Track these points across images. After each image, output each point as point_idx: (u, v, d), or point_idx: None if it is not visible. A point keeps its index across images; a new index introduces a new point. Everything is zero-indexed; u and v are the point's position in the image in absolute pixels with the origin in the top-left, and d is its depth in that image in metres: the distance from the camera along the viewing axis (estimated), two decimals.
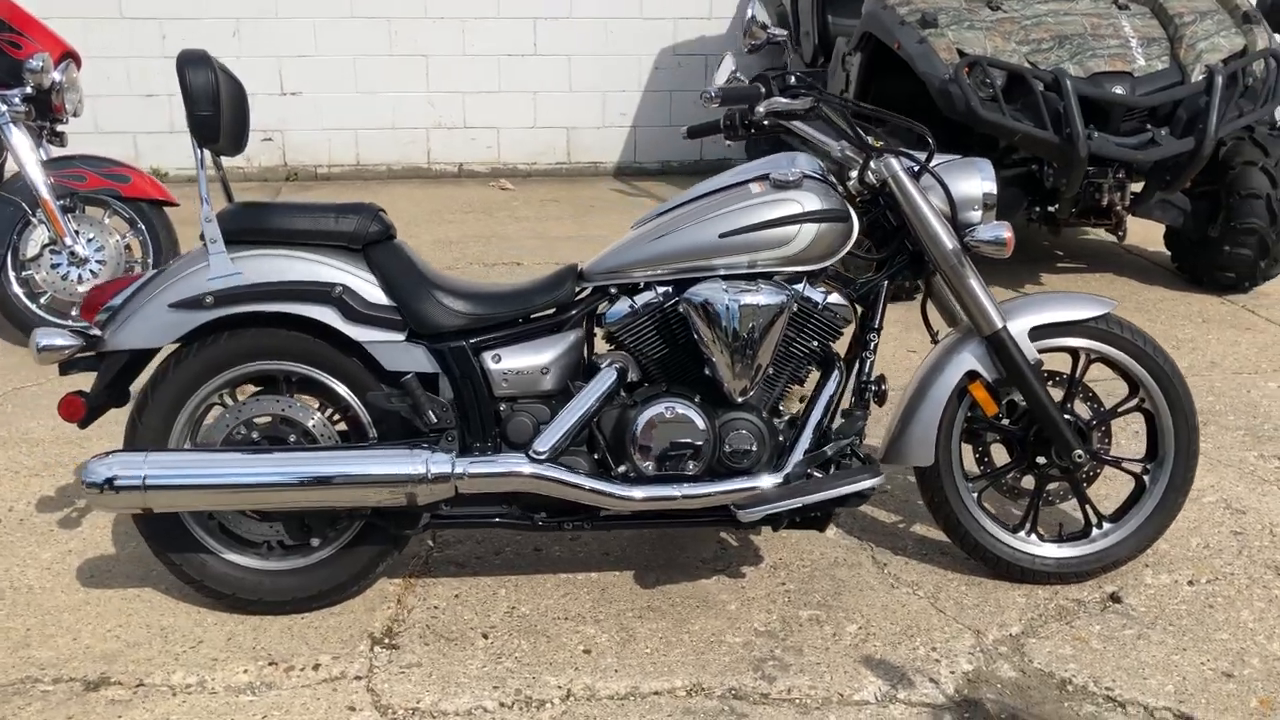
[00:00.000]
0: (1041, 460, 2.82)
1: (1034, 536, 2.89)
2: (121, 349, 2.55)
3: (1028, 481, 2.92)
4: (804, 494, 2.54)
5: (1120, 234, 5.29)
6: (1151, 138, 4.75)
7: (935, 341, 2.90)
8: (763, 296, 2.55)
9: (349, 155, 7.78)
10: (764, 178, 2.68)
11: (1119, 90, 4.79)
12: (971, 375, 2.77)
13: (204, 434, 2.66)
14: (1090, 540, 2.89)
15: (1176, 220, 5.29)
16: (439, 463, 2.48)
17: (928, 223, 2.66)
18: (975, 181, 2.73)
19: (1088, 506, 2.90)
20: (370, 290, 2.56)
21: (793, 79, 2.73)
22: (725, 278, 2.61)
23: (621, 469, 2.60)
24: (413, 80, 7.72)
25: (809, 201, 2.62)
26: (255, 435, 2.61)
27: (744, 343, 2.56)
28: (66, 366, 2.61)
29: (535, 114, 7.93)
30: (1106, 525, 2.89)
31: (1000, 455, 2.94)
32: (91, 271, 4.44)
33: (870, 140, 2.70)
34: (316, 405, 2.66)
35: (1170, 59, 4.93)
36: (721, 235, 2.59)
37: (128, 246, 4.54)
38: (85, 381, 2.58)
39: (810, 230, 2.61)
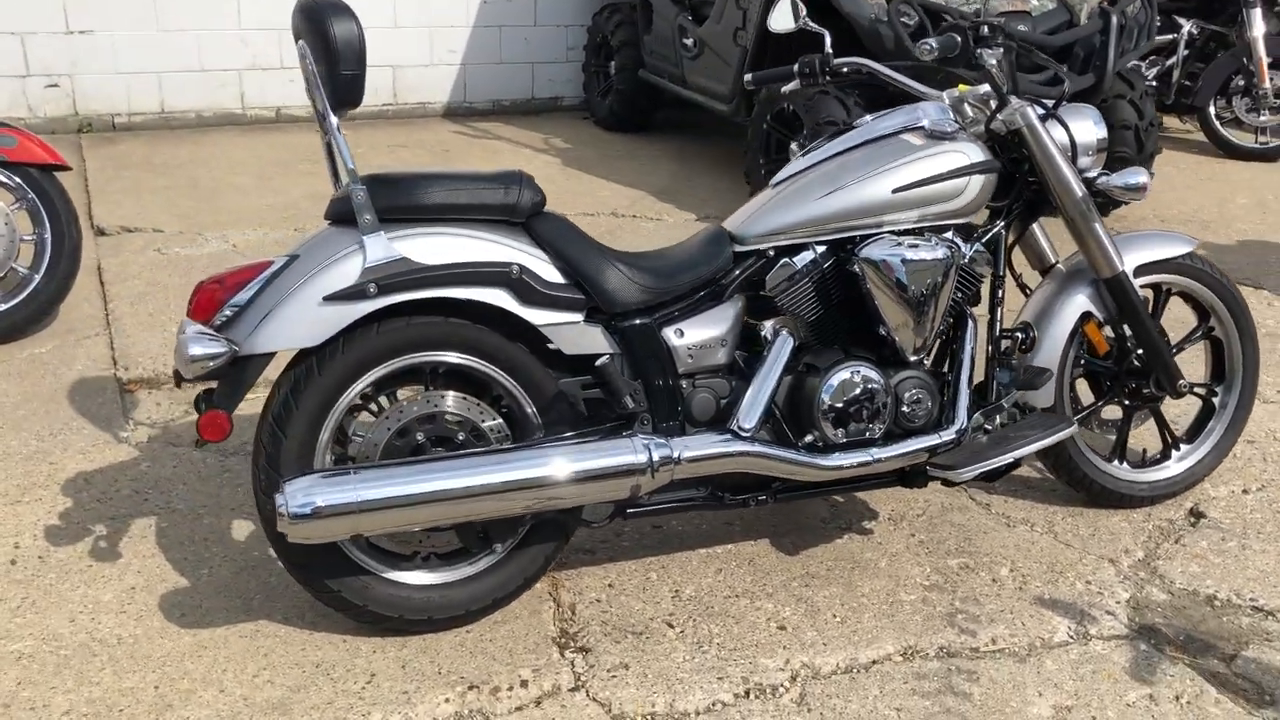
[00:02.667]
0: (1145, 391, 2.95)
1: (1125, 465, 3.05)
2: (267, 352, 2.18)
3: (1107, 413, 3.07)
4: (1011, 447, 2.56)
5: None
6: (1055, 75, 5.03)
7: (1023, 285, 2.97)
8: (939, 251, 2.52)
9: (151, 102, 6.92)
10: (918, 129, 2.63)
11: (1023, 29, 5.03)
12: (1085, 316, 2.86)
13: (358, 442, 2.33)
14: (1173, 462, 3.08)
15: None
16: (660, 449, 2.30)
17: (1060, 170, 2.70)
18: (1090, 126, 2.79)
19: (1167, 432, 3.09)
20: (545, 268, 2.32)
21: (985, 28, 2.66)
22: (893, 234, 2.55)
23: (809, 438, 2.50)
24: (222, 17, 6.93)
25: (972, 153, 2.59)
26: (419, 439, 2.31)
27: (922, 299, 2.52)
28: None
29: None
30: (1184, 447, 3.10)
31: (1082, 389, 3.07)
32: None
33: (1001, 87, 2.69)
34: (473, 399, 2.38)
35: (1058, 0, 5.22)
36: (895, 190, 2.52)
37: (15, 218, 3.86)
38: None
39: (978, 182, 2.59)
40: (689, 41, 6.15)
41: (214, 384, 2.22)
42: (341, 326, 2.20)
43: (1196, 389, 3.07)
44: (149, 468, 3.11)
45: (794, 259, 2.55)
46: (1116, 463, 3.03)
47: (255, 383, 2.21)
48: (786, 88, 2.95)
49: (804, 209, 2.53)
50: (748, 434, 2.39)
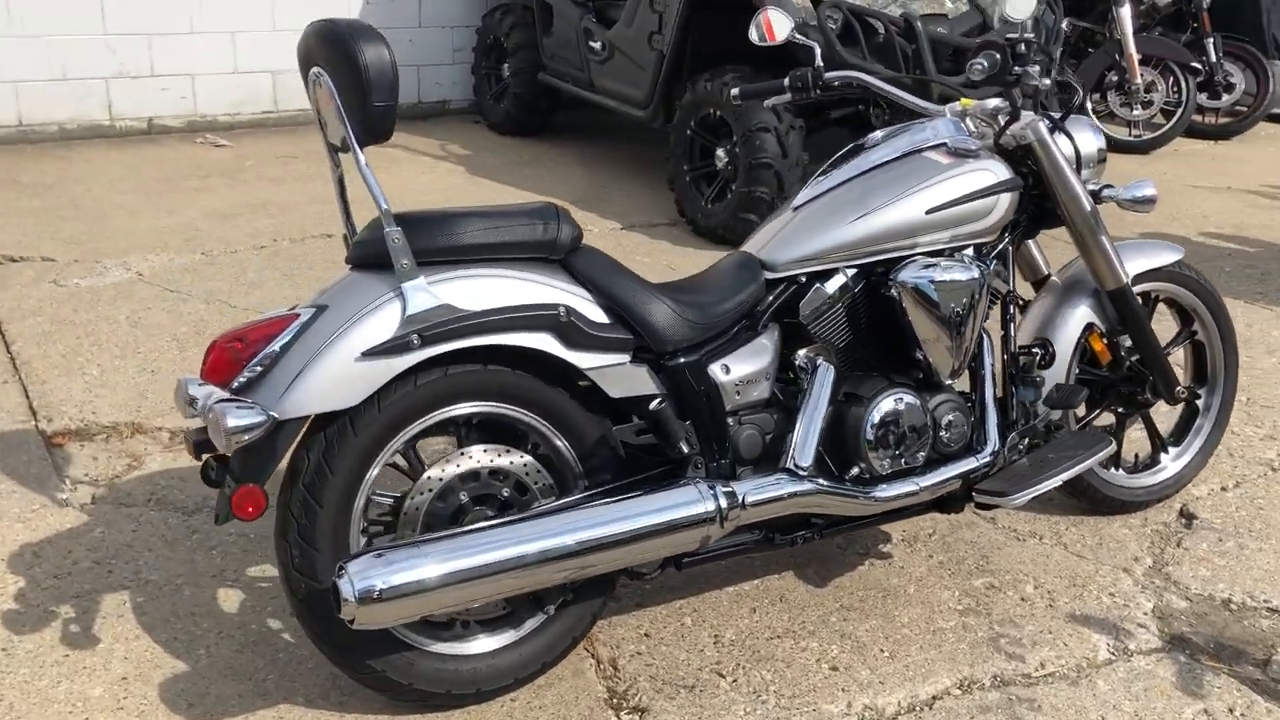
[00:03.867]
0: (1140, 398, 2.98)
1: (1121, 471, 3.08)
2: (302, 415, 1.96)
3: (1100, 420, 3.09)
4: (1059, 469, 2.53)
5: None
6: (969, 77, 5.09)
7: (1017, 299, 2.96)
8: (972, 272, 2.47)
9: (7, 113, 6.35)
10: (940, 147, 2.57)
11: (941, 31, 5.07)
12: (1089, 327, 2.87)
13: (384, 507, 2.13)
14: (1163, 467, 3.13)
15: None
16: (726, 495, 2.17)
17: (1070, 184, 2.68)
18: (1091, 137, 2.79)
19: (1157, 437, 3.13)
20: (589, 308, 2.16)
21: (1023, 47, 2.60)
22: (923, 255, 2.48)
23: (855, 470, 2.42)
24: (86, 21, 6.42)
25: (998, 170, 2.56)
26: (463, 499, 2.13)
27: (959, 320, 2.46)
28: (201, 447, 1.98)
29: (235, 58, 6.92)
30: (1173, 450, 3.15)
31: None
32: None
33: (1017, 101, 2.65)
34: (519, 453, 2.21)
35: (969, 2, 5.29)
36: (929, 210, 2.46)
37: None
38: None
39: (1006, 200, 2.55)
40: (597, 45, 6.00)
41: (220, 452, 1.99)
42: (382, 384, 2.00)
43: (1186, 393, 3.12)
44: (104, 534, 2.81)
45: (825, 285, 2.46)
46: (1114, 470, 3.06)
47: (288, 451, 1.99)
48: (773, 100, 2.86)
49: (838, 233, 2.44)
50: (805, 472, 2.29)
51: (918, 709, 2.33)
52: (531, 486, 2.20)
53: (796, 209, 2.55)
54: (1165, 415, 3.31)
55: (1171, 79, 7.58)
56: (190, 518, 2.90)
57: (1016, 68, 2.51)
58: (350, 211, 2.24)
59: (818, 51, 2.84)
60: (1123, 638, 2.58)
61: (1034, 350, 2.75)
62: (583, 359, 2.15)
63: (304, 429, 2.00)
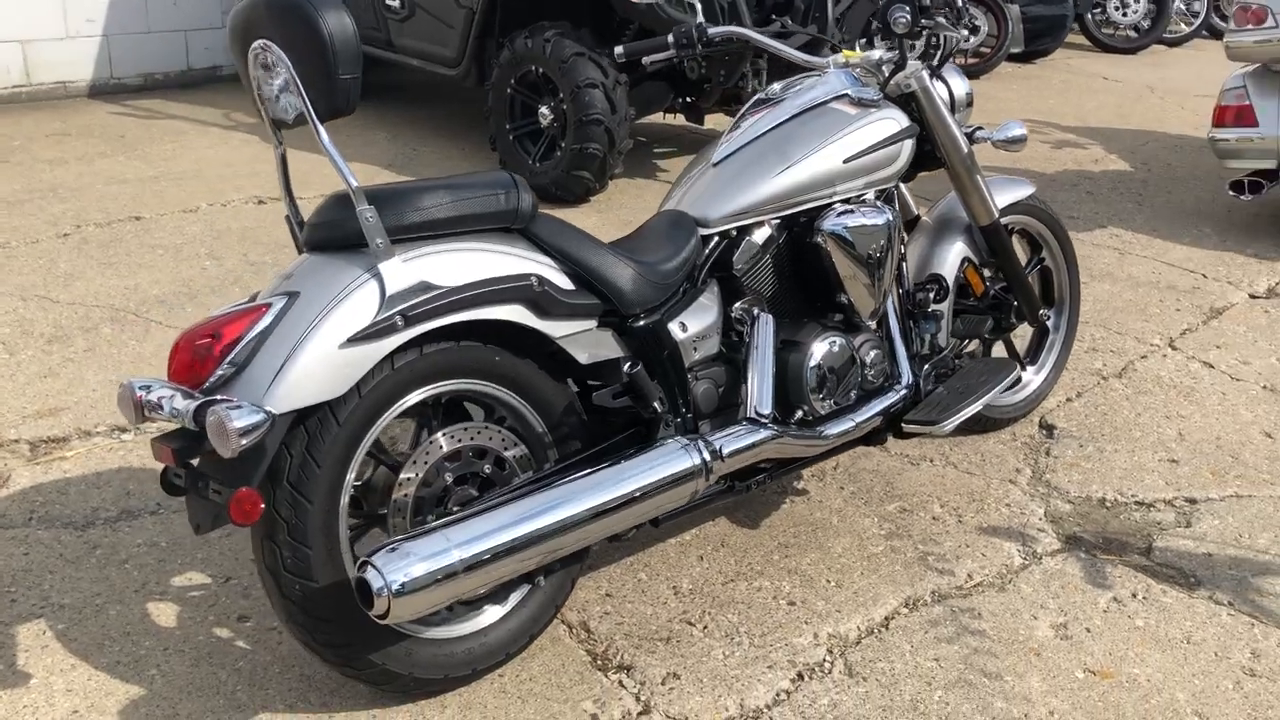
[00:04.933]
0: (1005, 324, 3.23)
1: None
2: (289, 410, 1.86)
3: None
4: (977, 395, 2.70)
5: None
6: (782, 25, 5.28)
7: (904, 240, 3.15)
8: (886, 215, 2.61)
9: None
10: (843, 97, 2.67)
11: None
12: (965, 261, 3.08)
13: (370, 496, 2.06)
14: (1027, 384, 3.41)
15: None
16: (707, 449, 2.22)
17: (950, 128, 2.87)
18: (960, 82, 2.98)
19: (1017, 358, 3.41)
20: (558, 276, 2.15)
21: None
22: (842, 203, 2.60)
23: (799, 413, 2.52)
24: None
25: (899, 118, 2.69)
26: (448, 480, 2.08)
27: (877, 263, 2.60)
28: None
29: None
30: (1031, 369, 3.44)
31: None
32: None
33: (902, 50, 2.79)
34: (495, 427, 2.18)
35: None
36: (846, 160, 2.57)
37: None
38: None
39: (908, 146, 2.70)
40: (395, 3, 5.80)
41: (189, 458, 1.86)
42: (368, 369, 1.92)
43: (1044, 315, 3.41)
44: None
45: (753, 237, 2.53)
46: None
47: (276, 449, 1.88)
48: (656, 58, 2.89)
49: (764, 186, 2.51)
50: (765, 419, 2.37)
51: (876, 631, 2.48)
52: (510, 461, 2.17)
53: (716, 164, 2.60)
54: (1020, 336, 3.61)
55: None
56: (84, 532, 2.69)
57: (925, 20, 2.64)
58: (293, 192, 2.12)
59: (699, 10, 2.89)
60: (1029, 543, 2.82)
61: (929, 286, 2.93)
62: (554, 327, 2.14)
63: (288, 425, 1.90)
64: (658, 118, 6.26)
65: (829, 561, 2.70)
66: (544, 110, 5.10)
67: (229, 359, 1.85)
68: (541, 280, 2.10)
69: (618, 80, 4.90)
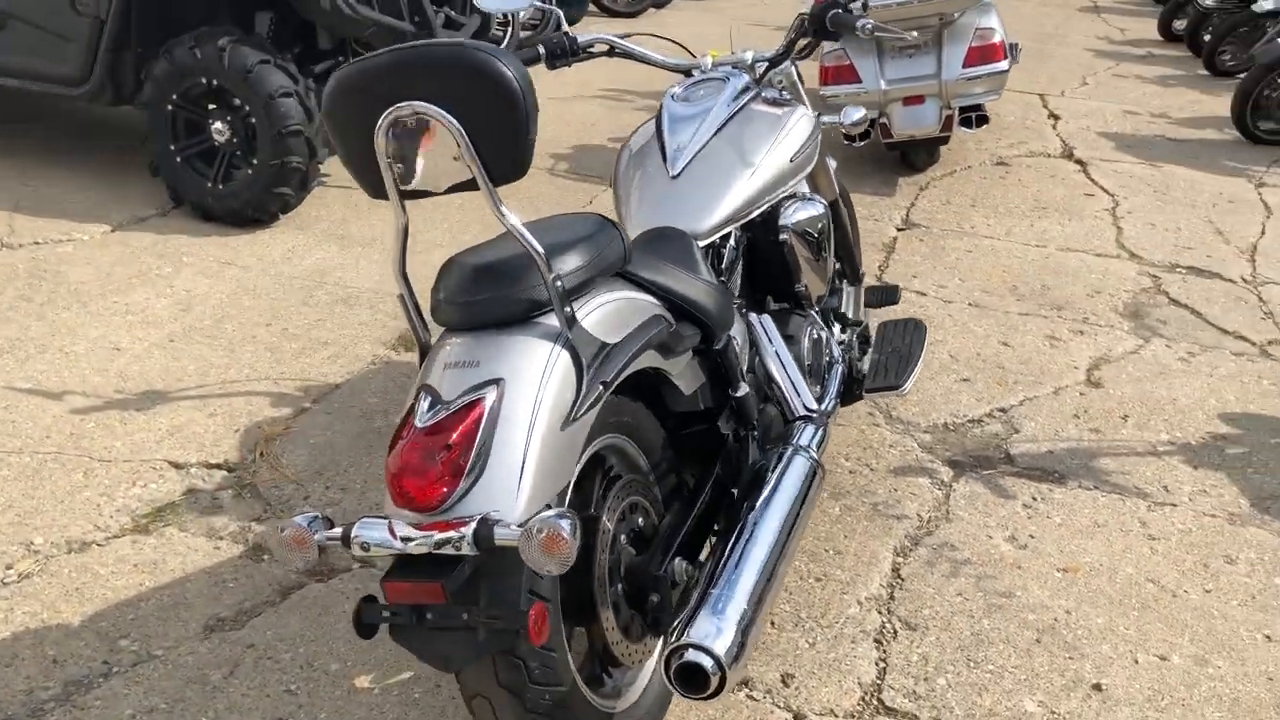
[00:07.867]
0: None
1: None
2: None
3: None
4: (916, 355, 2.97)
5: None
6: (447, 16, 5.15)
7: None
8: (821, 204, 2.80)
9: None
10: (758, 98, 2.80)
11: None
12: None
13: None
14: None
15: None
16: (815, 456, 2.30)
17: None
18: (794, 73, 3.23)
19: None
20: (666, 311, 2.10)
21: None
22: (787, 199, 2.75)
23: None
24: None
25: (807, 111, 2.87)
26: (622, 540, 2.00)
27: (823, 249, 2.79)
28: None
29: None
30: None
31: None
32: None
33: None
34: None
35: None
36: (791, 159, 2.71)
37: None
38: None
39: (819, 137, 2.88)
40: None
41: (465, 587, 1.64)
42: (582, 448, 1.78)
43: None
44: None
45: (730, 243, 2.62)
46: None
47: None
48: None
49: (739, 192, 2.59)
50: (815, 412, 2.49)
51: (893, 585, 2.73)
52: (649, 510, 2.11)
53: (675, 177, 2.61)
54: None
55: None
56: None
57: (839, 11, 2.82)
58: (405, 264, 1.84)
59: (562, 18, 2.87)
60: (933, 475, 3.22)
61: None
62: (673, 365, 2.11)
63: None
64: None
65: (811, 532, 2.89)
66: (218, 126, 4.57)
67: (469, 470, 1.63)
68: (666, 320, 2.05)
69: (309, 86, 4.53)
